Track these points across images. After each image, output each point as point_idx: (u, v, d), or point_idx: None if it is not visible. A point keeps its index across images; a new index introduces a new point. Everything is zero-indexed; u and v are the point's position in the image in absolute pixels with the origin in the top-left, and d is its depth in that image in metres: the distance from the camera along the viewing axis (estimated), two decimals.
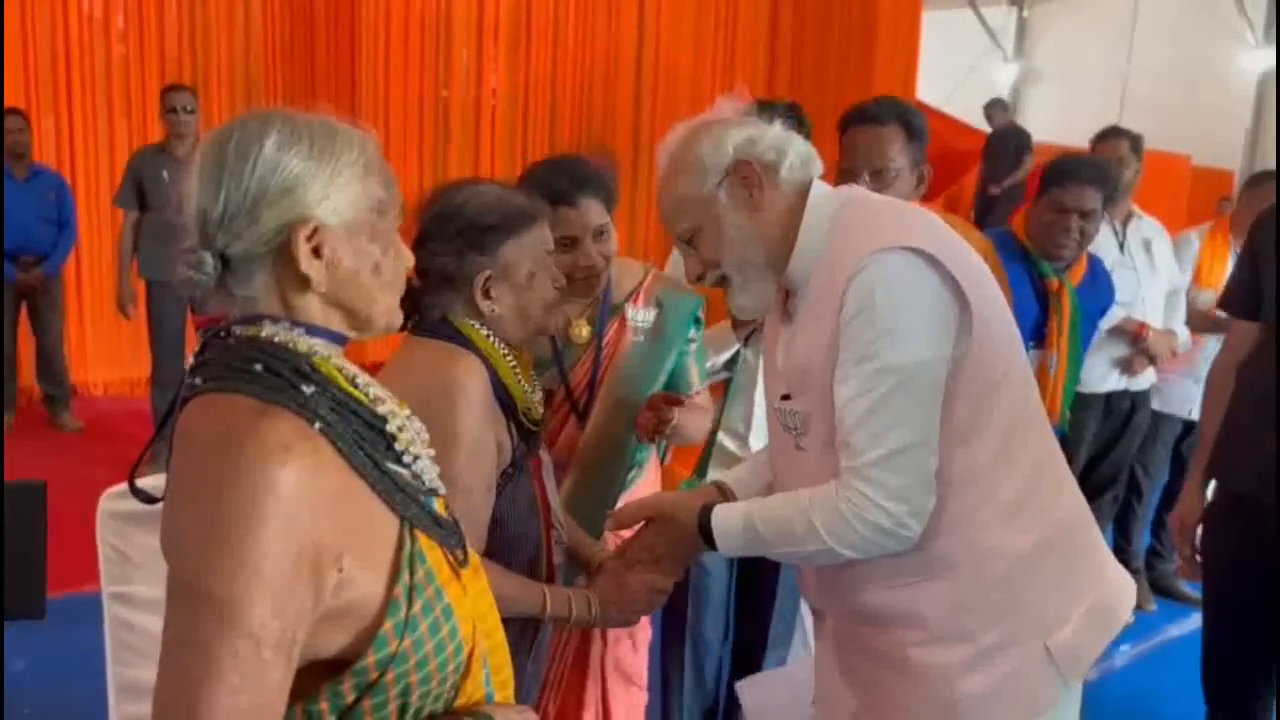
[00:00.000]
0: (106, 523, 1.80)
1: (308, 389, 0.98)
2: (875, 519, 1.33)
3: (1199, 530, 2.34)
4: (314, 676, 0.99)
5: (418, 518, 1.05)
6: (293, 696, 0.96)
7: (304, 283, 1.01)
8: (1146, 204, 5.67)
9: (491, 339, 1.52)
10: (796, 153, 1.46)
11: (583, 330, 1.89)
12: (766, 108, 2.15)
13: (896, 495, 1.32)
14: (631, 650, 2.05)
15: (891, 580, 1.41)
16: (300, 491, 0.92)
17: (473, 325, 1.51)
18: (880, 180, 2.18)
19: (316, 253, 1.01)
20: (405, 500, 1.04)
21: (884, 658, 1.47)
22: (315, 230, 1.00)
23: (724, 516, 1.50)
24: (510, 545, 1.54)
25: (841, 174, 2.27)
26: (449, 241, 1.50)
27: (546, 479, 1.66)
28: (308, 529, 0.92)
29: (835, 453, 1.37)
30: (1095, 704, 3.42)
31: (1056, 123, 10.46)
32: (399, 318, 1.12)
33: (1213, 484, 2.32)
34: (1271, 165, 4.34)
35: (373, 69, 6.78)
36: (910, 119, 2.22)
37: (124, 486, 1.83)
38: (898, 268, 1.31)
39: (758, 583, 2.37)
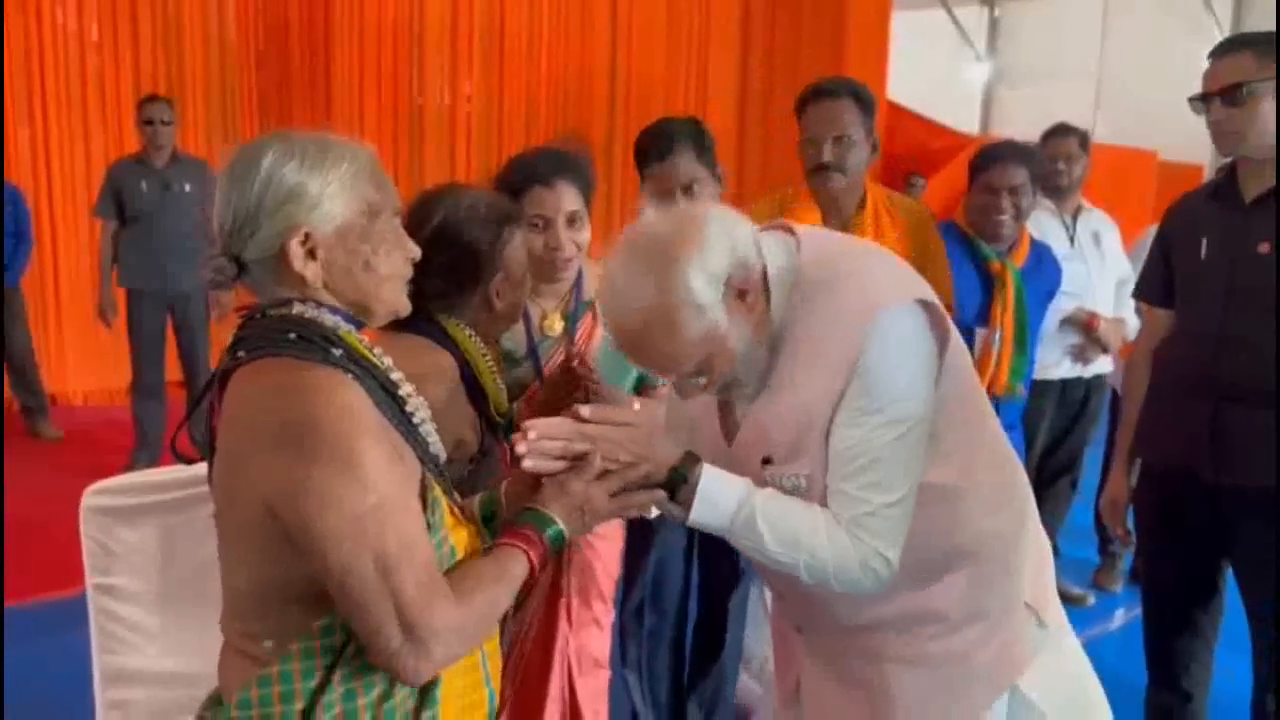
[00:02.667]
0: (89, 518, 1.89)
1: (336, 351, 1.14)
2: (877, 567, 1.37)
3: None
4: (323, 609, 1.12)
5: (430, 467, 1.21)
6: (297, 633, 1.12)
7: (303, 281, 1.17)
8: (1115, 199, 5.81)
9: (472, 337, 1.61)
10: (758, 240, 1.38)
11: (556, 324, 1.96)
12: (665, 130, 2.25)
13: (894, 543, 1.37)
14: (598, 633, 2.12)
15: (914, 586, 1.46)
16: (365, 403, 1.12)
17: (456, 323, 1.61)
18: (840, 146, 2.45)
19: (312, 254, 1.15)
20: (422, 449, 1.20)
21: (897, 658, 1.51)
22: (307, 236, 1.15)
23: (718, 482, 1.37)
24: None
25: (806, 145, 2.51)
26: (449, 259, 1.60)
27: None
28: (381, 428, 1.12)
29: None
30: None
31: (1028, 121, 10.59)
32: (404, 304, 1.27)
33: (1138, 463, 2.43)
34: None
35: (346, 77, 6.84)
36: (860, 92, 2.48)
37: (107, 483, 1.93)
38: (909, 324, 1.34)
39: (718, 559, 2.45)
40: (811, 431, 1.37)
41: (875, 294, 1.34)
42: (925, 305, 1.36)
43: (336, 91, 6.80)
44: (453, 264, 1.60)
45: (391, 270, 1.23)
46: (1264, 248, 2.08)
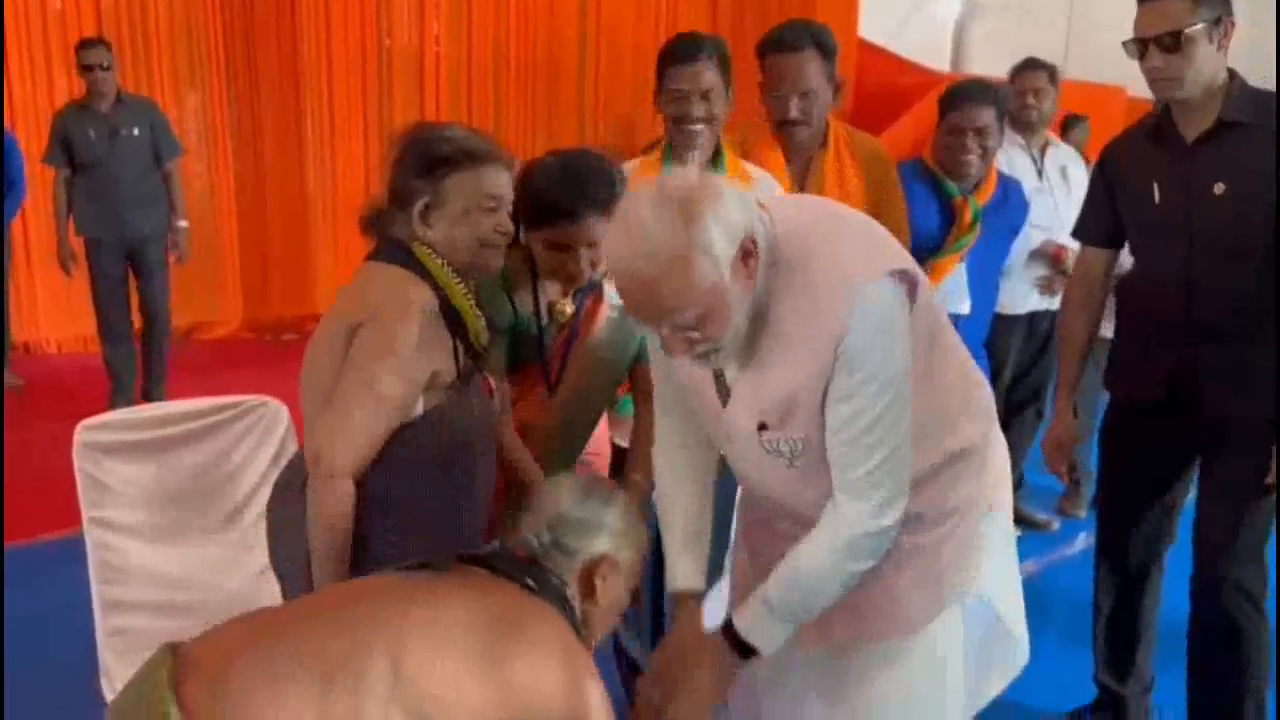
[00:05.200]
0: (83, 453, 1.94)
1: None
2: (888, 522, 1.47)
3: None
4: None
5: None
6: None
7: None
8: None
9: (445, 267, 1.65)
10: (757, 211, 1.43)
11: (566, 308, 2.00)
12: (694, 43, 2.30)
13: (901, 489, 1.47)
14: None
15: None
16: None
17: (428, 252, 1.65)
18: (805, 100, 2.48)
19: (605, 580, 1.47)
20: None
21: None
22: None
23: (752, 626, 1.52)
24: (453, 451, 1.68)
25: (771, 99, 2.53)
26: (404, 164, 1.64)
27: (500, 402, 1.81)
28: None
29: (828, 464, 1.48)
30: (1040, 597, 3.66)
31: (1000, 58, 10.61)
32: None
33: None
34: None
35: (313, 19, 6.73)
36: (822, 39, 2.48)
37: (98, 419, 1.98)
38: (887, 295, 1.40)
39: None
40: (801, 404, 1.45)
41: (849, 274, 1.39)
42: (897, 275, 1.41)
43: (303, 33, 6.70)
44: (397, 170, 1.67)
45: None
46: (1219, 188, 2.09)
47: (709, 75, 2.25)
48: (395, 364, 1.57)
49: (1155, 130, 2.23)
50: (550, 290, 1.99)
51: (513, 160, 1.76)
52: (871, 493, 1.46)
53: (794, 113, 2.50)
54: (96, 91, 4.73)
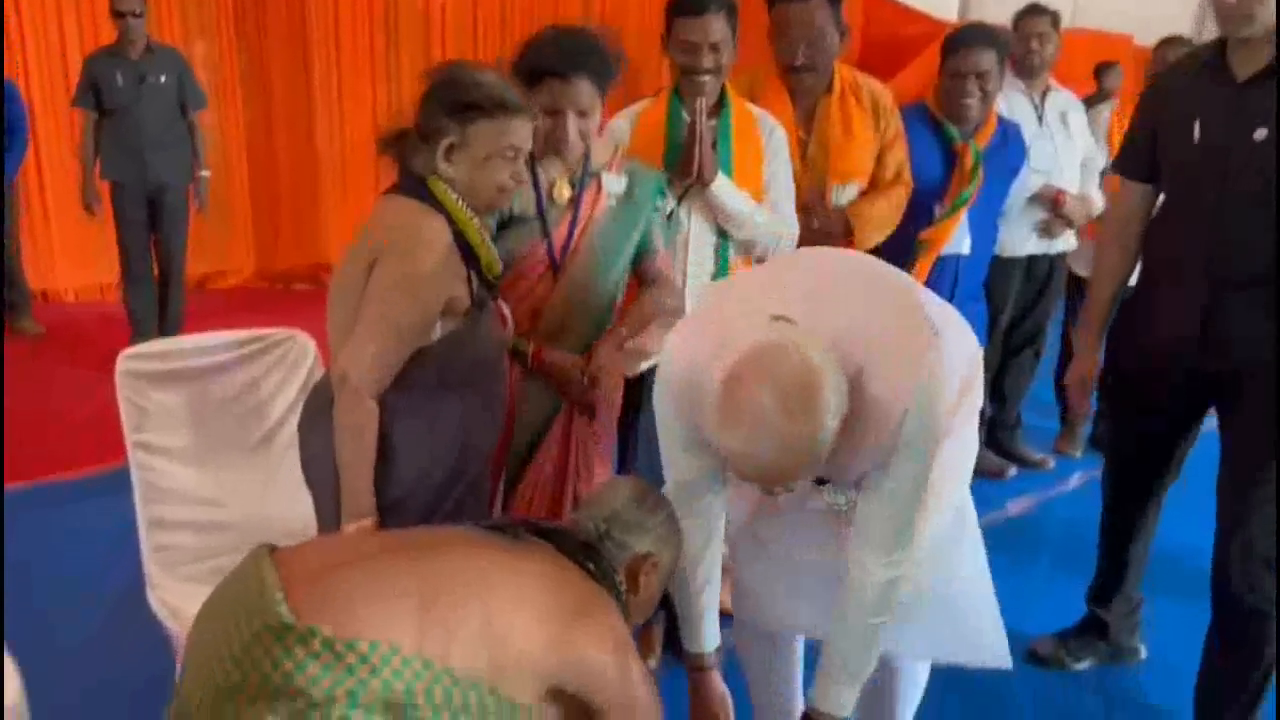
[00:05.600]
0: (124, 381, 2.04)
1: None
2: (903, 570, 1.63)
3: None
4: None
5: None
6: None
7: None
8: (1090, 83, 5.84)
9: (459, 202, 1.75)
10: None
11: (564, 190, 2.07)
12: None
13: (916, 539, 1.65)
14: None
15: None
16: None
17: (444, 188, 1.74)
18: (813, 47, 2.56)
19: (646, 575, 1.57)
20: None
21: None
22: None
23: (825, 700, 1.67)
24: (468, 372, 1.80)
25: (780, 45, 2.60)
26: (434, 101, 1.72)
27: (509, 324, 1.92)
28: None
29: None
30: (1035, 531, 3.78)
31: (1007, 8, 10.57)
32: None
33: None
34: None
35: None
36: None
37: (138, 348, 2.09)
38: (936, 392, 1.52)
39: None
40: (853, 473, 1.62)
41: (900, 392, 1.48)
42: (934, 354, 1.51)
43: None
44: (426, 107, 1.75)
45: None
46: (1260, 134, 2.02)
47: (718, 27, 2.32)
48: (411, 292, 1.67)
49: (1205, 67, 2.16)
50: (550, 171, 2.06)
51: (537, 113, 1.85)
52: (894, 547, 1.61)
53: (801, 58, 2.57)
54: (127, 38, 4.80)
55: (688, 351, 1.59)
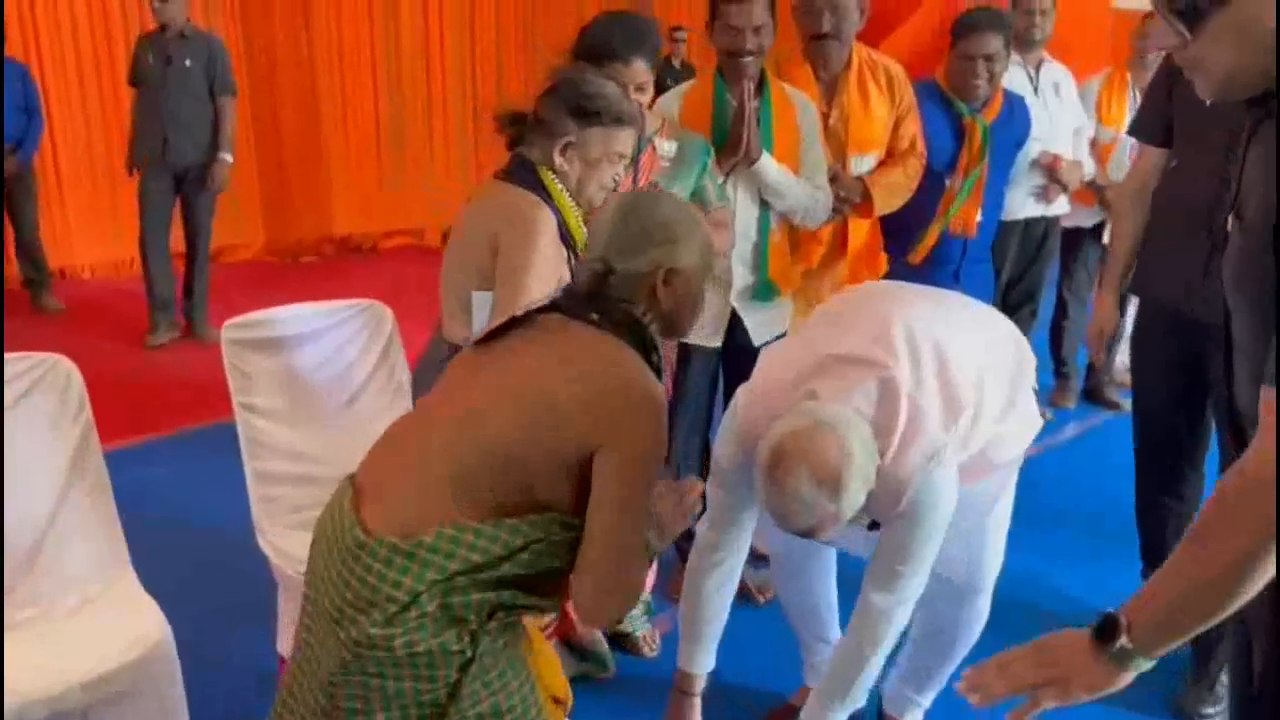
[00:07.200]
0: (228, 348, 2.25)
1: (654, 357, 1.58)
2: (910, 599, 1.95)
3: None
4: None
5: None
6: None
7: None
8: (1070, 49, 6.03)
9: (564, 192, 1.97)
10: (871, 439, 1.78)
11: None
12: None
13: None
14: None
15: None
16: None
17: (553, 179, 1.96)
18: (837, 15, 2.76)
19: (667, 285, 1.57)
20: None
21: None
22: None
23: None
24: None
25: (805, 15, 2.80)
26: (557, 99, 1.94)
27: None
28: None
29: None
30: (1033, 479, 4.02)
31: None
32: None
33: (1135, 299, 2.61)
34: None
35: None
36: None
37: (240, 319, 2.28)
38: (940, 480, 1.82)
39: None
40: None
41: (910, 470, 1.78)
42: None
43: None
44: (550, 102, 1.98)
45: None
46: None
47: (760, 12, 2.54)
48: (535, 274, 1.89)
49: None
50: None
51: (642, 123, 2.11)
52: (904, 584, 1.91)
53: (826, 26, 2.78)
54: (160, 21, 4.98)
55: (752, 413, 1.89)
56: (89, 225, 6.33)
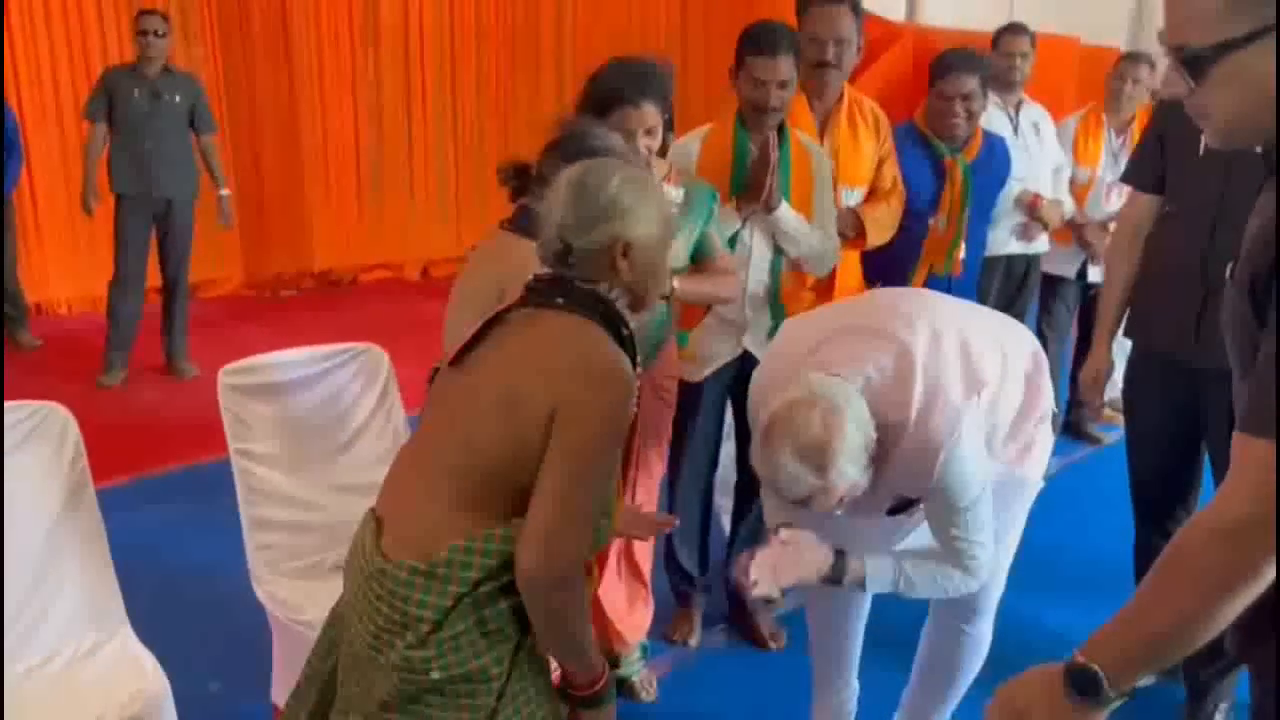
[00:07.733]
0: (226, 394, 2.24)
1: (624, 331, 1.54)
2: (976, 563, 1.91)
3: (1111, 381, 2.68)
4: None
5: None
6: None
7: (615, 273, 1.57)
8: (1040, 86, 6.16)
9: None
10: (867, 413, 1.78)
11: None
12: (776, 37, 2.59)
13: (989, 535, 1.92)
14: (646, 496, 2.52)
15: None
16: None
17: None
18: (840, 46, 2.86)
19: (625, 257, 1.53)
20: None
21: None
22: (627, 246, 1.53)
23: (876, 566, 1.91)
24: None
25: (810, 44, 2.85)
26: (557, 153, 1.93)
27: None
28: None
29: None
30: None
31: (952, 9, 10.93)
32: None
33: (1128, 343, 2.63)
34: (1151, 45, 4.82)
35: None
36: (856, 1, 2.87)
37: (236, 364, 2.27)
38: (965, 445, 1.81)
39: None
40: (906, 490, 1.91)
41: (936, 435, 1.78)
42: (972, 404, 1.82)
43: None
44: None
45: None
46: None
47: (785, 67, 2.58)
48: None
49: None
50: None
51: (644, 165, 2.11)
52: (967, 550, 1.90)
53: (829, 55, 2.86)
54: (147, 56, 4.96)
55: (762, 381, 1.95)
56: (66, 261, 6.26)
